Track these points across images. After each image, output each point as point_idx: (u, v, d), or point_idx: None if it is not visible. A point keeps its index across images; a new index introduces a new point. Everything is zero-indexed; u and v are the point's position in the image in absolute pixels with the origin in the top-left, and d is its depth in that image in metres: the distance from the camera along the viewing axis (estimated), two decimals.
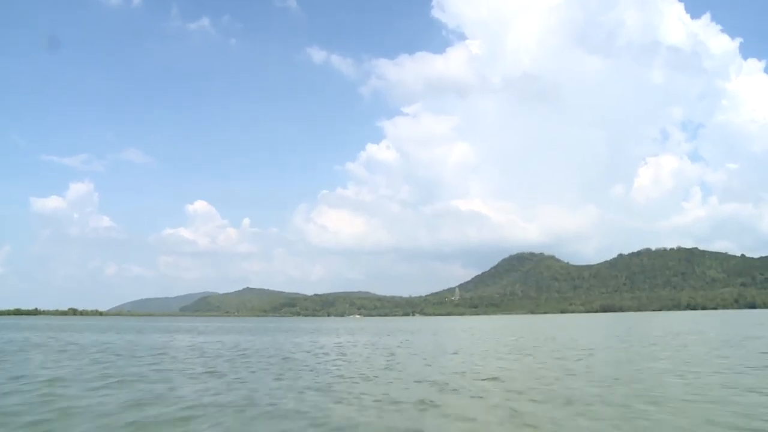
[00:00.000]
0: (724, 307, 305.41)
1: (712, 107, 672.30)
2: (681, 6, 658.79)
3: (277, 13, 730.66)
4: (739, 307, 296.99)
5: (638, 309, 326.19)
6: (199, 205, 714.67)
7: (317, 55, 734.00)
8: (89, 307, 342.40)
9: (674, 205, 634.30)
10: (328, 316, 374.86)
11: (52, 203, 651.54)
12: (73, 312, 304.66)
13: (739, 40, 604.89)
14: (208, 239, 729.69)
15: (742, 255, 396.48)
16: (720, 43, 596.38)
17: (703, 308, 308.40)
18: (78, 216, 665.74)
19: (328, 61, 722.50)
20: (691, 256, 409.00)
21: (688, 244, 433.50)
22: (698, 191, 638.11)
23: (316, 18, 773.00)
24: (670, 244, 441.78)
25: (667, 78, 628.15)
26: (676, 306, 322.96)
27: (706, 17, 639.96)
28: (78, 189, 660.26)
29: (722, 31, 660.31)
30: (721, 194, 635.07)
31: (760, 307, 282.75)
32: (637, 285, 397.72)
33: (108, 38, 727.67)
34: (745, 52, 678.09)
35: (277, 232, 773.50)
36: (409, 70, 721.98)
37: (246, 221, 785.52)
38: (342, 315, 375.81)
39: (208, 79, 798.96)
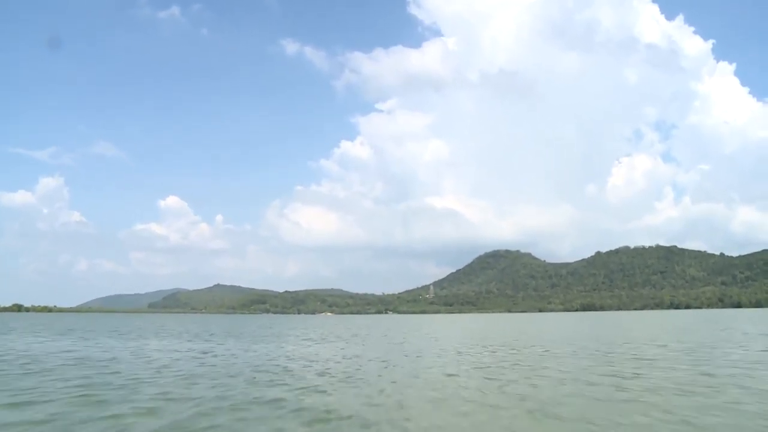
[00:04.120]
0: (709, 306, 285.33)
1: (685, 108, 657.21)
2: (656, 7, 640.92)
3: (250, 3, 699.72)
4: (724, 306, 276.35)
5: (619, 308, 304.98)
6: (171, 201, 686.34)
7: (290, 47, 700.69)
8: (59, 304, 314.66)
9: (647, 204, 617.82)
10: (299, 313, 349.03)
11: (20, 198, 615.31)
12: (18, 308, 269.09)
13: (711, 42, 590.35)
14: (180, 235, 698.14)
15: (721, 254, 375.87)
16: (693, 44, 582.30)
17: (687, 307, 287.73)
18: (48, 211, 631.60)
19: (301, 53, 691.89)
20: (669, 255, 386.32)
21: (665, 243, 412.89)
22: (670, 191, 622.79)
23: (290, 9, 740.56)
24: (644, 243, 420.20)
25: (642, 78, 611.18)
26: (659, 305, 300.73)
27: (680, 18, 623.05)
28: (48, 183, 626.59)
29: (695, 32, 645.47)
30: (693, 194, 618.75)
31: (746, 306, 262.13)
32: (616, 283, 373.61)
33: (76, 26, 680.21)
34: (717, 54, 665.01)
35: (251, 228, 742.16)
36: (384, 65, 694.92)
37: (219, 217, 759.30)
38: (313, 313, 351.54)
39: (179, 71, 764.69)
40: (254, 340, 37.10)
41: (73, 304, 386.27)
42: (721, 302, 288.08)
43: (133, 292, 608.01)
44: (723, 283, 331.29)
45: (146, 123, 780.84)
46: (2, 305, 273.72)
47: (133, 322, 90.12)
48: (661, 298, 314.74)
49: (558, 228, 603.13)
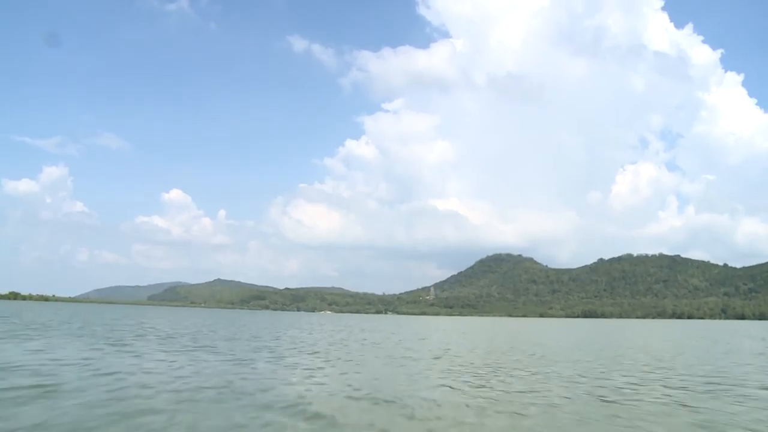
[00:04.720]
0: (711, 316, 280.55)
1: (692, 117, 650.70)
2: (665, 15, 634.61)
3: None
4: (727, 318, 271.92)
5: (620, 316, 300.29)
6: (175, 194, 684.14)
7: (298, 43, 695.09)
8: (59, 293, 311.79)
9: (650, 213, 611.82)
10: (298, 311, 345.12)
11: (24, 186, 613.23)
12: (14, 296, 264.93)
13: (720, 52, 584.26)
14: (182, 229, 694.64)
15: (725, 264, 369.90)
16: (702, 53, 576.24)
17: (689, 317, 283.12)
18: (51, 200, 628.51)
19: (309, 51, 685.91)
20: (672, 264, 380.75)
21: (668, 252, 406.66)
22: (674, 201, 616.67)
23: (298, 5, 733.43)
24: (647, 251, 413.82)
25: (649, 85, 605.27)
26: (661, 314, 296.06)
27: (689, 27, 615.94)
28: (52, 173, 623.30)
29: (704, 41, 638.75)
30: (697, 204, 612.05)
31: (750, 318, 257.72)
32: (618, 291, 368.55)
33: (83, 16, 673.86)
34: (726, 64, 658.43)
35: (253, 224, 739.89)
36: (391, 64, 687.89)
37: (222, 212, 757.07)
38: (312, 310, 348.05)
39: (187, 65, 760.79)
40: (201, 349, 25.53)
41: (73, 294, 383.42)
42: (724, 313, 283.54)
43: (133, 284, 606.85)
44: (726, 294, 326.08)
45: (151, 115, 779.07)
46: None
47: (103, 314, 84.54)
48: (663, 307, 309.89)
49: (560, 234, 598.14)
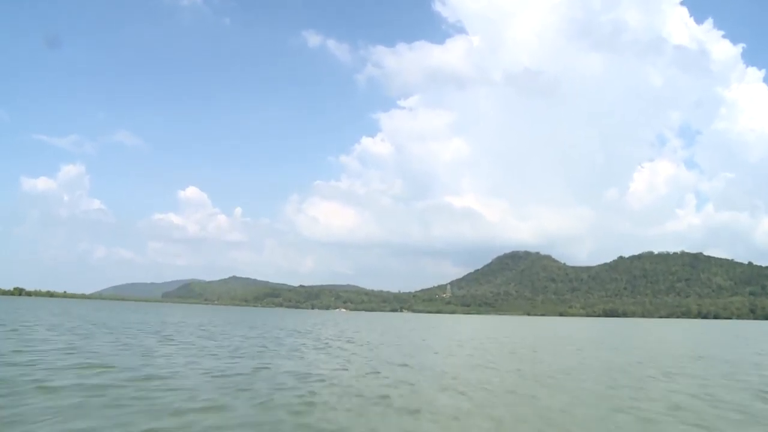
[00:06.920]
0: (739, 316, 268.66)
1: (711, 114, 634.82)
2: (684, 10, 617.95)
3: None
4: (756, 318, 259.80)
5: (643, 315, 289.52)
6: (191, 192, 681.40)
7: (313, 39, 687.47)
8: (75, 290, 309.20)
9: (668, 211, 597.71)
10: (312, 308, 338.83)
11: (42, 184, 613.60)
12: (18, 292, 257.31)
13: (741, 47, 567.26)
14: (198, 226, 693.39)
15: (750, 263, 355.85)
16: (722, 48, 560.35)
17: (716, 317, 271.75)
18: (68, 198, 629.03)
19: (323, 46, 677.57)
20: (695, 262, 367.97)
21: (686, 250, 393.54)
22: (693, 199, 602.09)
23: (313, 0, 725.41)
24: (665, 249, 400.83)
25: (668, 81, 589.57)
26: (685, 314, 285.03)
27: (709, 22, 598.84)
28: (69, 171, 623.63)
29: (724, 36, 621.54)
30: (716, 202, 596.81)
31: None
32: (638, 289, 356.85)
33: (97, 13, 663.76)
34: (747, 59, 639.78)
35: (269, 222, 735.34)
36: (407, 60, 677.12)
37: (238, 210, 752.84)
38: (327, 308, 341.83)
39: (201, 61, 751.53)
40: None
41: (89, 291, 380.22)
42: (753, 313, 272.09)
43: (148, 281, 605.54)
44: (752, 294, 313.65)
45: (167, 113, 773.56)
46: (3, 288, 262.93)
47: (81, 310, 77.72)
48: (687, 306, 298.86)
49: (577, 231, 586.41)
